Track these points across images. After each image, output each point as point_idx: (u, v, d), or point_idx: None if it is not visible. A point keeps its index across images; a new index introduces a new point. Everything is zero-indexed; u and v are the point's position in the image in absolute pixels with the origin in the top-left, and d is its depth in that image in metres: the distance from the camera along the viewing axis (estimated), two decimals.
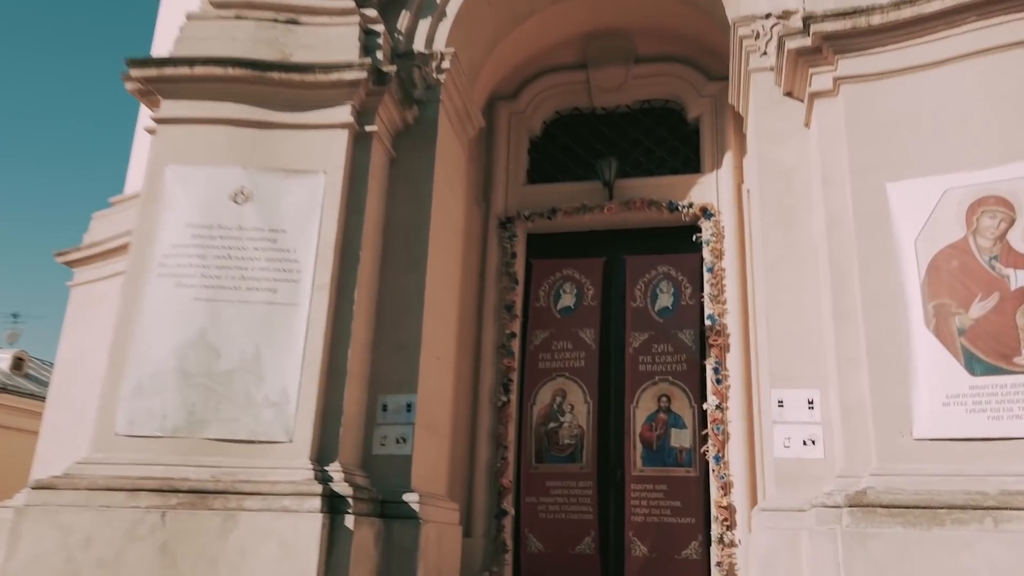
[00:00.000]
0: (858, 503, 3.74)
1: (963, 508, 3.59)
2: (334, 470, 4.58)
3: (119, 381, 4.73)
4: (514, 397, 6.54)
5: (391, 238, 5.47)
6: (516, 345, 6.67)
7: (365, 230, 5.16)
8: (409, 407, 5.09)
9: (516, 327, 6.72)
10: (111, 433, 4.64)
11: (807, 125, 5.03)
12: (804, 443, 4.47)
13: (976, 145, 4.17)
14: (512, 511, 6.26)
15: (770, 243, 4.92)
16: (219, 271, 4.92)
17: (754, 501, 5.75)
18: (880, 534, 3.64)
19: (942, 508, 3.62)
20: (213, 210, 5.04)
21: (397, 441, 5.04)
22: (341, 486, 4.48)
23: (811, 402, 4.54)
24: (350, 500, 4.43)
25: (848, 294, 4.32)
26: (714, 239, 6.49)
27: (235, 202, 5.06)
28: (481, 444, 6.37)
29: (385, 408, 5.12)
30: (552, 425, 6.54)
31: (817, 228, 4.73)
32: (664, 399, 6.43)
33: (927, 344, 3.99)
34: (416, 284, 5.37)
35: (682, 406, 6.38)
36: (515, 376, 6.59)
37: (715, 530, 5.80)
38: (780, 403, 4.59)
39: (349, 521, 4.36)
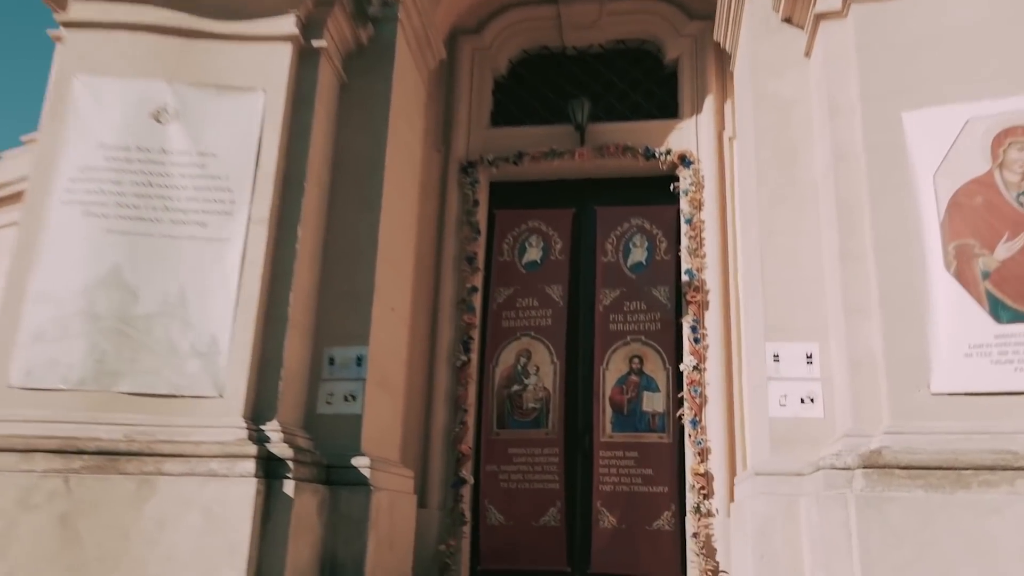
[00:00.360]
0: (873, 464, 3.31)
1: (991, 469, 3.19)
2: (271, 429, 3.97)
3: (15, 325, 4.01)
4: (475, 357, 5.98)
5: (341, 172, 4.83)
6: (477, 300, 6.10)
7: (311, 160, 4.51)
8: (359, 361, 4.49)
9: (478, 281, 6.15)
10: (4, 386, 3.92)
11: (807, 55, 4.56)
12: (802, 401, 4.05)
13: (1003, 70, 3.75)
14: (471, 480, 5.72)
15: (766, 182, 4.45)
16: (138, 200, 4.22)
17: (733, 468, 5.36)
18: (898, 498, 3.22)
19: (967, 469, 3.22)
20: (131, 129, 4.32)
21: (345, 399, 4.44)
22: (279, 447, 3.87)
23: (810, 356, 4.11)
24: (290, 463, 3.83)
25: (857, 235, 3.87)
26: (693, 188, 6.01)
27: (158, 121, 4.35)
28: (438, 407, 5.81)
29: (332, 362, 4.51)
30: (515, 388, 6.01)
31: (820, 165, 4.28)
32: (636, 360, 5.96)
33: (947, 289, 3.57)
34: (369, 225, 4.74)
35: (655, 368, 5.92)
36: (476, 334, 6.03)
37: (691, 499, 5.37)
38: (775, 357, 4.15)
39: (288, 487, 3.77)
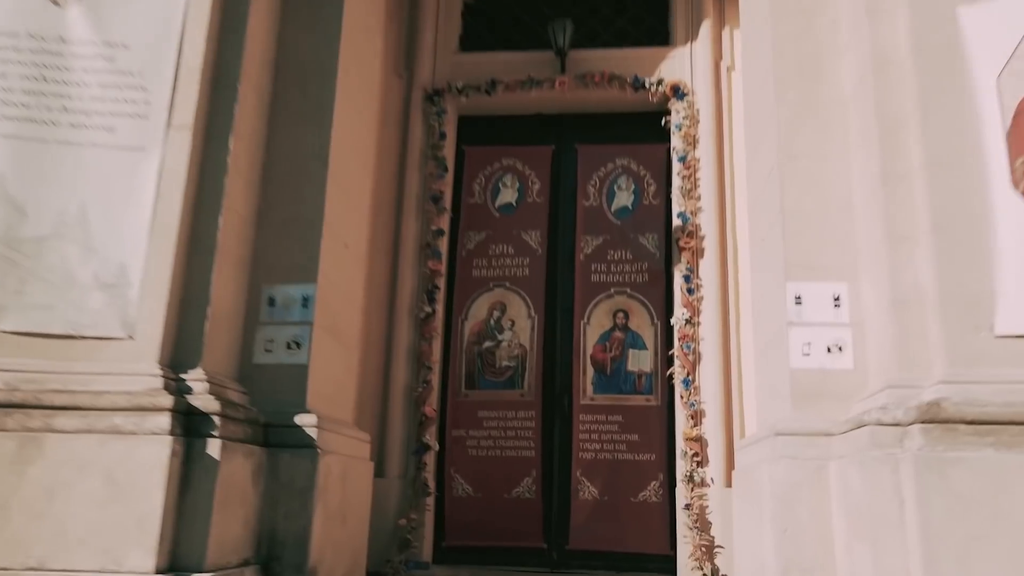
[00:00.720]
0: (932, 418, 2.72)
1: None
2: (194, 379, 3.23)
3: None
4: (440, 308, 5.30)
5: (285, 78, 4.05)
6: (444, 245, 5.41)
7: (246, 58, 3.73)
8: (306, 302, 3.76)
9: (444, 223, 5.44)
10: None
11: None
12: (828, 350, 3.46)
13: None
14: (436, 446, 5.06)
15: (785, 99, 3.82)
16: (28, 97, 3.42)
17: (730, 433, 4.80)
18: (965, 459, 2.64)
19: None
20: (20, 12, 3.50)
21: (288, 346, 3.72)
22: (203, 399, 3.14)
23: (837, 299, 3.51)
24: (216, 419, 3.10)
25: (902, 153, 3.25)
26: (687, 123, 5.38)
27: (55, 3, 3.53)
28: (398, 363, 5.11)
29: (272, 302, 3.77)
30: (488, 344, 5.35)
31: (852, 77, 3.66)
32: (621, 315, 5.34)
33: (1014, 212, 2.98)
34: (318, 141, 3.99)
35: (642, 323, 5.32)
36: (442, 283, 5.34)
37: (682, 467, 4.79)
38: (798, 299, 3.55)
39: (214, 448, 3.05)
